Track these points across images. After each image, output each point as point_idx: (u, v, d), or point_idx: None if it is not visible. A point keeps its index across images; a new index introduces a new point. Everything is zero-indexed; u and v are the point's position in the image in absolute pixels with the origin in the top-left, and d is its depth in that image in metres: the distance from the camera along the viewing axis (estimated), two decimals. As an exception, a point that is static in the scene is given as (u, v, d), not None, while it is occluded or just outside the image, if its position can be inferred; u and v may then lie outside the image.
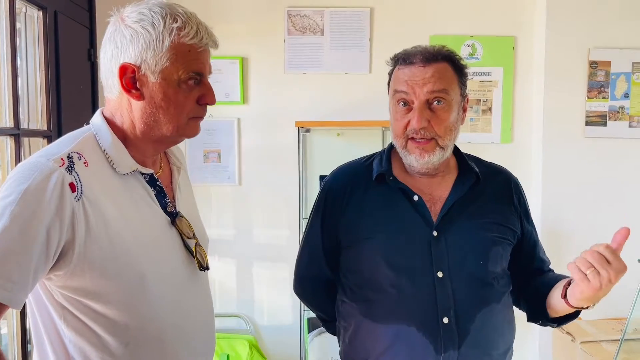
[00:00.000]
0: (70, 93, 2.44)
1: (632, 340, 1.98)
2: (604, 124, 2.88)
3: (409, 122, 1.24)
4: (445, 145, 1.26)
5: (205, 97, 1.07)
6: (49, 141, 2.30)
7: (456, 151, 1.38)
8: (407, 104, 1.25)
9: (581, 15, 2.83)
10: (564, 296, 1.21)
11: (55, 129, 2.32)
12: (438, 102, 1.24)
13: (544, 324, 1.38)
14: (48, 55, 2.25)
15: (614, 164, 2.88)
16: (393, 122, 1.30)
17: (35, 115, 2.27)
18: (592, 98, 2.87)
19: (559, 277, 1.33)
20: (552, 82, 2.86)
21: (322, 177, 2.89)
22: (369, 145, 2.97)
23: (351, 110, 2.93)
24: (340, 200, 1.35)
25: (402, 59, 1.28)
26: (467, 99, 1.34)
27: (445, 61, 1.26)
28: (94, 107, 2.72)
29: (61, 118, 2.35)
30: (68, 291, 0.98)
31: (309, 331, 2.73)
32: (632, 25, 2.84)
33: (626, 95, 2.87)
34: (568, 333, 2.55)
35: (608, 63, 2.85)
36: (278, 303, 2.97)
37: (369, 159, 1.41)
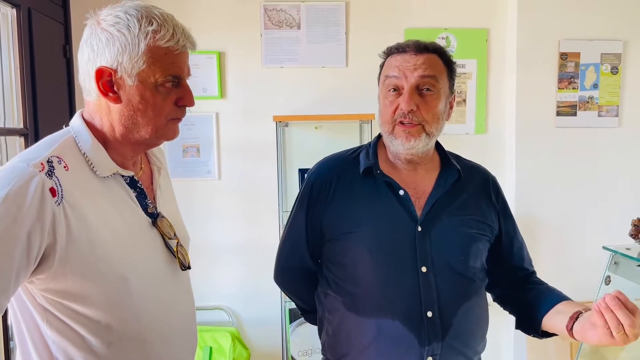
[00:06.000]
0: (47, 90, 2.43)
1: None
2: (574, 114, 2.95)
3: (398, 106, 1.28)
4: (431, 132, 1.29)
5: (183, 100, 1.08)
6: (26, 139, 2.29)
7: (439, 147, 1.41)
8: (397, 89, 1.29)
9: (551, 7, 2.89)
10: (570, 329, 1.20)
11: (32, 127, 2.31)
12: (427, 89, 1.27)
13: (531, 335, 1.39)
14: (23, 52, 2.23)
15: (584, 152, 2.97)
16: (382, 108, 1.33)
17: (11, 114, 2.26)
18: (563, 89, 2.94)
19: (556, 296, 1.34)
20: (523, 74, 2.92)
21: (301, 170, 2.92)
22: (346, 138, 3.01)
23: (329, 103, 2.96)
24: (326, 192, 1.36)
25: (395, 49, 1.33)
26: (454, 97, 1.37)
27: (435, 53, 1.31)
28: (71, 103, 2.70)
29: (37, 116, 2.33)
30: (50, 294, 0.99)
31: (291, 322, 2.77)
32: (601, 17, 2.91)
33: (595, 86, 2.95)
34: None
35: (577, 54, 2.92)
36: (259, 295, 3.01)
37: (355, 151, 1.43)
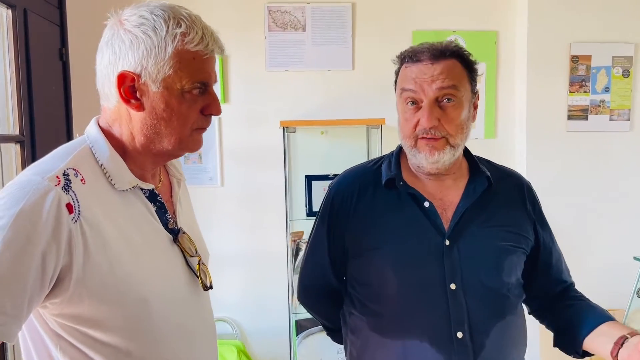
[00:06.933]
0: (43, 95, 2.32)
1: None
2: (586, 118, 2.90)
3: (418, 121, 1.19)
4: (456, 144, 1.21)
5: (210, 107, 1.00)
6: (22, 147, 2.18)
7: (467, 153, 1.33)
8: (415, 102, 1.20)
9: (562, 9, 2.84)
10: (615, 355, 1.14)
11: (28, 134, 2.20)
12: (448, 100, 1.18)
13: (570, 355, 1.32)
14: (18, 55, 2.13)
15: (596, 157, 2.91)
16: (402, 121, 1.24)
17: (6, 120, 2.15)
18: (574, 92, 2.88)
19: (599, 316, 1.26)
20: (534, 77, 2.86)
21: (307, 177, 2.84)
22: (353, 143, 2.93)
23: (335, 108, 2.88)
24: (347, 207, 1.28)
25: (408, 57, 1.22)
26: (478, 96, 1.28)
27: (453, 57, 1.20)
28: (67, 108, 2.59)
29: (34, 122, 2.23)
30: (65, 319, 0.91)
31: (297, 333, 2.68)
32: (612, 19, 2.86)
33: (607, 89, 2.89)
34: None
35: (589, 57, 2.87)
36: (265, 306, 2.91)
37: (377, 162, 1.35)
